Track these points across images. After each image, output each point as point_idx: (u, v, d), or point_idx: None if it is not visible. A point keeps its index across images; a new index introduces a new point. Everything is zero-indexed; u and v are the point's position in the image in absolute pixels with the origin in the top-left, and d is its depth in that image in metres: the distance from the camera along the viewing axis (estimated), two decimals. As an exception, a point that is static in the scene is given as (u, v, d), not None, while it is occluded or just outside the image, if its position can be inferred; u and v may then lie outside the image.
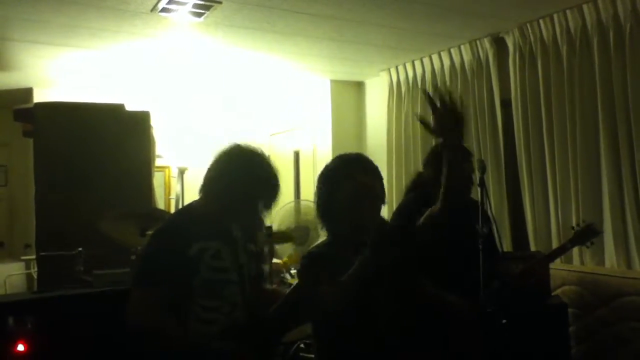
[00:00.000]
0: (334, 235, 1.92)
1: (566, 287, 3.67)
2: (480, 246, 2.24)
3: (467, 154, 2.69)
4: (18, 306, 2.77)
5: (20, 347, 2.55)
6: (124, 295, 1.92)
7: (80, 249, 3.34)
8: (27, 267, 5.52)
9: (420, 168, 3.00)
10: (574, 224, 3.06)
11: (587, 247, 2.87)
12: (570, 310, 3.51)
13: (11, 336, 2.56)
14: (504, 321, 2.27)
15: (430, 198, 2.57)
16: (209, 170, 2.05)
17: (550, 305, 3.42)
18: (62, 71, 5.16)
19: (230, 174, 2.00)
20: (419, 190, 2.80)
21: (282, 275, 4.54)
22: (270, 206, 2.07)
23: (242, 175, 1.98)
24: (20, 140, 4.56)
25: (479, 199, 2.48)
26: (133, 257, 3.20)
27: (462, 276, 2.32)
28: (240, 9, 3.63)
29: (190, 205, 2.15)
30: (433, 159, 2.68)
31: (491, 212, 2.60)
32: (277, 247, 4.90)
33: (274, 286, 3.77)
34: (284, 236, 4.40)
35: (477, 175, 2.54)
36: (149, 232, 2.76)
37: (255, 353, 1.96)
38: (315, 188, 1.93)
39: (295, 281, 2.27)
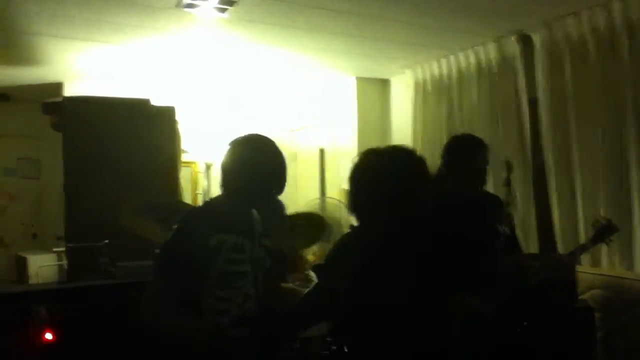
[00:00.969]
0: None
1: (593, 291, 3.60)
2: (501, 245, 2.21)
3: (482, 145, 2.65)
4: (45, 295, 2.84)
5: (48, 336, 2.62)
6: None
7: (106, 241, 3.41)
8: (59, 258, 5.63)
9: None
10: (596, 219, 2.99)
11: (607, 245, 2.80)
12: (597, 314, 3.44)
13: (40, 325, 2.62)
14: (525, 323, 2.24)
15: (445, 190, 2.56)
16: (220, 167, 2.11)
17: (577, 309, 3.36)
18: (90, 65, 5.24)
19: (238, 161, 2.06)
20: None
21: (305, 272, 4.54)
22: (280, 187, 2.11)
23: (250, 159, 2.05)
24: (51, 134, 4.65)
25: (505, 199, 2.45)
26: (157, 250, 3.25)
27: (474, 272, 2.29)
28: (261, 4, 3.64)
29: (211, 200, 2.23)
30: (443, 154, 2.67)
31: (514, 211, 2.56)
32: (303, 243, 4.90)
33: (297, 283, 3.78)
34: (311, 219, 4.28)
35: (503, 176, 2.52)
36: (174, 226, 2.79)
37: (265, 344, 1.99)
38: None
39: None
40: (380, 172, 1.89)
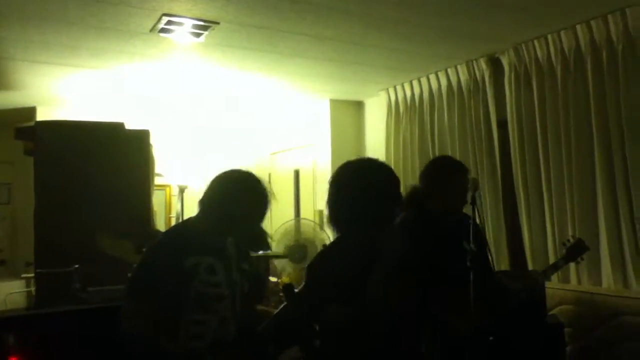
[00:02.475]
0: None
1: (563, 307, 3.66)
2: (469, 263, 2.25)
3: (464, 169, 2.71)
4: (12, 322, 2.79)
5: (14, 363, 2.57)
6: (118, 312, 1.94)
7: (76, 266, 3.37)
8: (28, 285, 5.53)
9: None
10: (567, 239, 3.07)
11: (578, 263, 2.89)
12: (566, 329, 3.49)
13: (5, 351, 2.57)
14: (490, 338, 2.27)
15: (424, 212, 2.60)
16: (209, 189, 2.12)
17: (547, 325, 3.41)
18: (65, 90, 5.23)
19: (228, 193, 2.06)
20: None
21: (280, 295, 4.53)
22: (260, 221, 2.14)
23: (239, 195, 2.06)
24: (24, 159, 4.60)
25: (472, 217, 2.50)
26: (129, 275, 3.22)
27: (455, 293, 2.33)
28: (239, 30, 3.69)
29: (187, 220, 2.22)
30: (429, 173, 2.72)
31: (484, 229, 2.62)
32: (277, 265, 4.91)
33: (272, 305, 3.77)
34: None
35: (469, 194, 2.56)
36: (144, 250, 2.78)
37: None
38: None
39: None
40: (357, 179, 1.92)
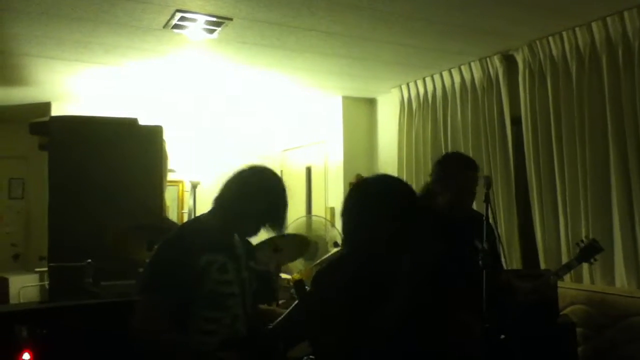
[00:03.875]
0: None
1: (575, 307, 3.62)
2: (481, 262, 2.23)
3: (472, 164, 2.70)
4: (25, 315, 2.81)
5: (26, 357, 2.58)
6: (130, 306, 1.95)
7: (89, 260, 3.39)
8: (41, 278, 5.60)
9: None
10: (581, 239, 3.04)
11: (591, 264, 2.86)
12: (578, 329, 3.46)
13: (17, 345, 2.59)
14: (502, 336, 2.25)
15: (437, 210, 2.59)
16: (226, 186, 2.08)
17: (558, 325, 3.38)
18: (79, 86, 5.28)
19: (246, 195, 2.03)
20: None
21: (291, 291, 4.53)
22: (279, 227, 2.12)
23: (257, 198, 2.03)
24: (38, 154, 4.65)
25: (485, 215, 2.48)
26: (140, 270, 3.24)
27: (465, 292, 2.31)
28: (251, 26, 3.69)
29: (200, 217, 2.19)
30: (437, 167, 2.71)
31: (496, 227, 2.59)
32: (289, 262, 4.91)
33: (281, 302, 3.78)
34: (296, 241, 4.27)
35: (483, 191, 2.55)
36: (156, 246, 2.80)
37: None
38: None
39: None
40: (372, 197, 1.86)
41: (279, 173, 2.20)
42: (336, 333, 1.74)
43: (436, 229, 2.32)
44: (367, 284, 1.76)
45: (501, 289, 2.55)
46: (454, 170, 2.66)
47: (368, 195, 1.84)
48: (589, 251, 2.77)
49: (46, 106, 5.82)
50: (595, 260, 2.83)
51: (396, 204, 1.81)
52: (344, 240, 1.90)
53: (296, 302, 2.21)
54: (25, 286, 5.47)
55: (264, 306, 2.39)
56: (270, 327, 2.12)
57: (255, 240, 2.29)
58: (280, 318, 2.14)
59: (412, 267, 1.81)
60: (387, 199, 1.81)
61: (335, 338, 1.75)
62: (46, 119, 4.47)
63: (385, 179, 1.92)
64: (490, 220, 2.44)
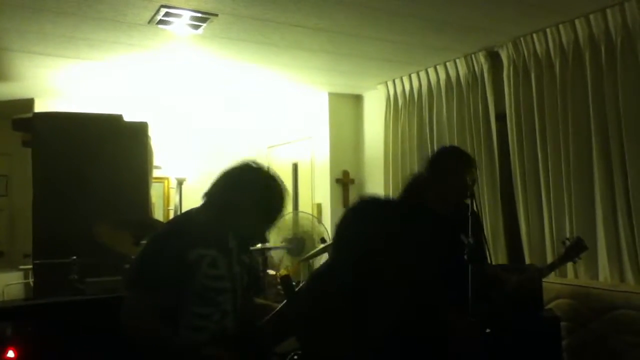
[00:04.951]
0: None
1: (559, 301, 3.67)
2: (466, 256, 2.25)
3: (471, 162, 2.70)
4: (9, 313, 2.79)
5: (11, 354, 2.57)
6: (116, 303, 1.94)
7: (74, 257, 3.37)
8: (26, 276, 5.54)
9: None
10: (565, 237, 3.06)
11: (575, 263, 2.88)
12: (563, 323, 3.50)
13: (2, 342, 2.57)
14: (487, 330, 2.27)
15: (423, 200, 2.59)
16: (219, 181, 2.07)
17: (543, 319, 3.41)
18: (63, 82, 5.21)
19: (239, 192, 2.02)
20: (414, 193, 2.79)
21: (278, 287, 4.53)
22: (272, 225, 2.12)
23: (251, 197, 2.02)
24: (21, 151, 4.60)
25: (470, 209, 2.49)
26: (127, 266, 3.23)
27: (451, 287, 2.33)
28: (236, 22, 3.68)
29: (190, 212, 2.17)
30: (432, 163, 2.71)
31: (480, 222, 2.61)
32: (275, 258, 4.92)
33: (270, 298, 3.78)
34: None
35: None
36: (143, 241, 2.79)
37: None
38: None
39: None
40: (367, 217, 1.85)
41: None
42: (326, 335, 1.74)
43: (426, 230, 2.33)
44: (357, 290, 1.76)
45: (488, 282, 2.57)
46: (451, 165, 2.64)
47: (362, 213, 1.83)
48: (574, 250, 2.77)
49: (29, 102, 5.74)
50: (579, 259, 2.83)
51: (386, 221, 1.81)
52: (334, 247, 1.90)
53: (285, 301, 2.20)
54: (9, 284, 5.40)
55: (260, 300, 2.37)
56: (261, 323, 2.11)
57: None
58: (270, 315, 2.14)
59: (404, 271, 1.81)
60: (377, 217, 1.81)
61: (325, 340, 1.75)
62: (29, 115, 4.42)
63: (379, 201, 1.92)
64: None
